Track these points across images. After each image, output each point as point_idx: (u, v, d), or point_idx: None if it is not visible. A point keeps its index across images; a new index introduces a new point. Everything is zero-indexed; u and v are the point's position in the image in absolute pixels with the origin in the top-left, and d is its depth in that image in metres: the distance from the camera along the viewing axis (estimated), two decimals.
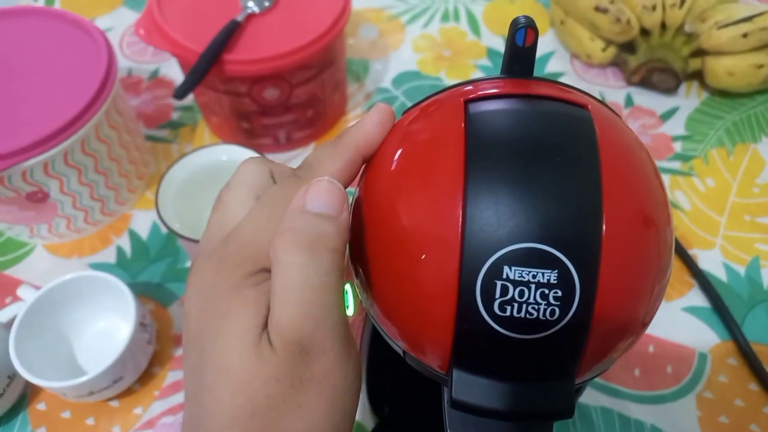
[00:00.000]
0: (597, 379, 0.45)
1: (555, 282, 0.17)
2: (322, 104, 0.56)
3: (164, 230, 0.52)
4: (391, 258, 0.20)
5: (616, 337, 0.19)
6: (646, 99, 0.62)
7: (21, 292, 0.44)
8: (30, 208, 0.47)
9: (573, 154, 0.18)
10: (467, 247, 0.18)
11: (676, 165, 0.57)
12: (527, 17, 0.20)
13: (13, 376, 0.41)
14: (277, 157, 0.57)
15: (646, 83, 0.62)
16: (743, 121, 0.60)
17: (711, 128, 0.60)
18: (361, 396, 0.22)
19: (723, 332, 0.47)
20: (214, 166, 0.47)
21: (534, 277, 0.17)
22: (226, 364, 0.20)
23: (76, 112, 0.43)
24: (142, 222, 0.53)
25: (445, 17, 0.70)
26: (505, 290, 0.17)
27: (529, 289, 0.17)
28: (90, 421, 0.43)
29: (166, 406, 0.44)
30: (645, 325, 0.20)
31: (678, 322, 0.47)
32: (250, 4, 0.51)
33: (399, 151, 0.21)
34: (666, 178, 0.56)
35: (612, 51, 0.62)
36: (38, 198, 0.46)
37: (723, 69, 0.59)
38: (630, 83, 0.63)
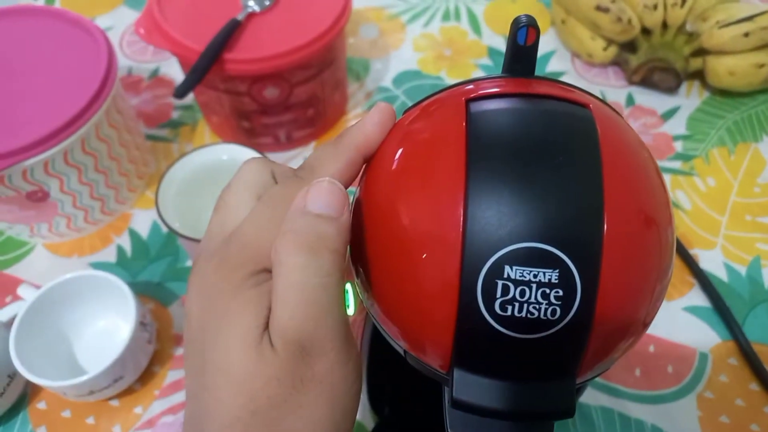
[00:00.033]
0: (597, 379, 0.45)
1: (556, 281, 0.17)
2: (322, 103, 0.56)
3: (164, 229, 0.52)
4: (391, 257, 0.20)
5: (618, 336, 0.19)
6: (647, 98, 0.62)
7: (21, 291, 0.44)
8: (30, 208, 0.47)
9: (574, 154, 0.18)
10: (468, 247, 0.17)
11: (677, 164, 0.57)
12: (529, 16, 0.20)
13: (14, 375, 0.41)
14: (278, 156, 0.57)
15: (647, 83, 0.61)
16: (744, 120, 0.60)
17: (712, 128, 0.60)
18: (361, 395, 0.22)
19: (724, 332, 0.47)
20: (215, 166, 0.47)
21: (535, 276, 0.17)
22: (227, 364, 0.20)
23: (76, 111, 0.43)
24: (143, 221, 0.53)
25: (445, 16, 0.70)
26: (506, 290, 0.17)
27: (531, 288, 0.17)
28: (90, 421, 0.43)
29: (166, 405, 0.44)
30: (646, 325, 0.20)
31: (679, 322, 0.47)
32: (251, 3, 0.51)
33: (400, 151, 0.21)
34: (667, 178, 0.56)
35: (613, 50, 0.62)
36: (38, 197, 0.46)
37: (724, 68, 0.58)
38: (631, 83, 0.63)
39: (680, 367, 0.45)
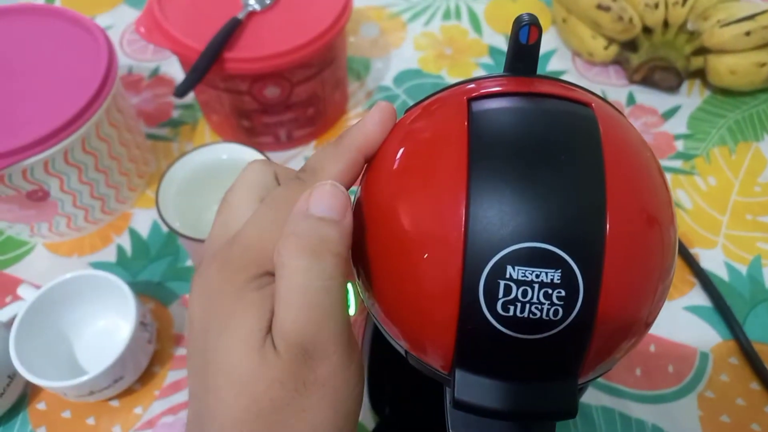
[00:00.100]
0: (598, 379, 0.45)
1: (558, 282, 0.17)
2: (322, 102, 0.56)
3: (165, 229, 0.52)
4: (393, 258, 0.19)
5: (620, 337, 0.19)
6: (648, 97, 0.62)
7: (21, 291, 0.44)
8: (30, 207, 0.47)
9: (577, 153, 0.18)
10: (470, 247, 0.17)
11: (678, 164, 0.57)
12: (531, 15, 0.20)
13: (13, 375, 0.41)
14: (278, 156, 0.57)
15: (648, 82, 0.61)
16: (745, 119, 0.60)
17: (713, 127, 0.60)
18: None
19: (724, 331, 0.47)
20: (215, 165, 0.47)
21: (537, 276, 0.17)
22: (230, 367, 0.20)
23: (77, 110, 0.43)
24: (143, 221, 0.53)
25: (446, 15, 0.70)
26: (508, 290, 0.17)
27: (533, 288, 0.17)
28: (90, 421, 0.43)
29: (166, 405, 0.44)
30: (648, 325, 0.20)
31: (679, 322, 0.47)
32: (251, 1, 0.51)
33: (401, 150, 0.21)
34: (668, 177, 0.56)
35: (614, 49, 0.62)
36: (38, 196, 0.46)
37: (725, 67, 0.58)
38: (632, 81, 0.63)
39: (681, 366, 0.45)
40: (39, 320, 0.42)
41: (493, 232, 0.17)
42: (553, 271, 0.17)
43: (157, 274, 0.50)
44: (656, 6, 0.58)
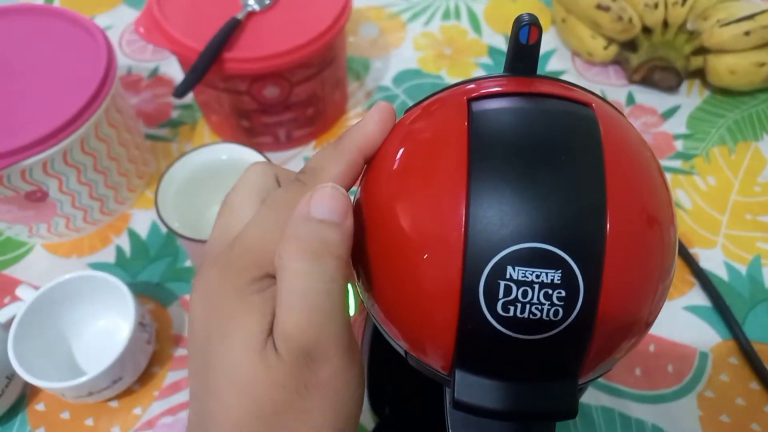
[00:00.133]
0: (598, 379, 0.45)
1: (559, 282, 0.17)
2: (322, 102, 0.56)
3: (164, 230, 0.52)
4: (392, 258, 0.19)
5: (620, 337, 0.19)
6: (647, 97, 0.62)
7: (20, 291, 0.44)
8: (29, 208, 0.47)
9: (577, 153, 0.18)
10: (470, 247, 0.17)
11: (678, 163, 0.57)
12: (531, 15, 0.19)
13: (12, 376, 0.41)
14: (277, 156, 0.57)
15: (647, 81, 0.61)
16: (745, 119, 0.60)
17: (712, 126, 0.60)
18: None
19: (724, 331, 0.47)
20: (214, 165, 0.47)
21: (537, 277, 0.17)
22: (231, 369, 0.20)
23: (76, 110, 0.43)
24: (142, 221, 0.53)
25: (446, 15, 0.70)
26: (508, 290, 0.17)
27: (533, 289, 0.17)
28: (89, 422, 0.43)
29: (165, 406, 0.44)
30: (648, 325, 0.20)
31: (679, 321, 0.47)
32: (251, 1, 0.51)
33: (401, 150, 0.21)
34: (667, 177, 0.56)
35: (613, 49, 0.62)
36: (37, 197, 0.46)
37: (725, 67, 0.58)
38: (631, 81, 0.63)
39: (681, 366, 0.45)
40: (38, 321, 0.42)
41: (493, 233, 0.17)
42: (553, 271, 0.17)
43: (156, 275, 0.50)
44: (656, 6, 0.58)
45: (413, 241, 0.19)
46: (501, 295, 0.17)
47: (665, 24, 0.59)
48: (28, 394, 0.44)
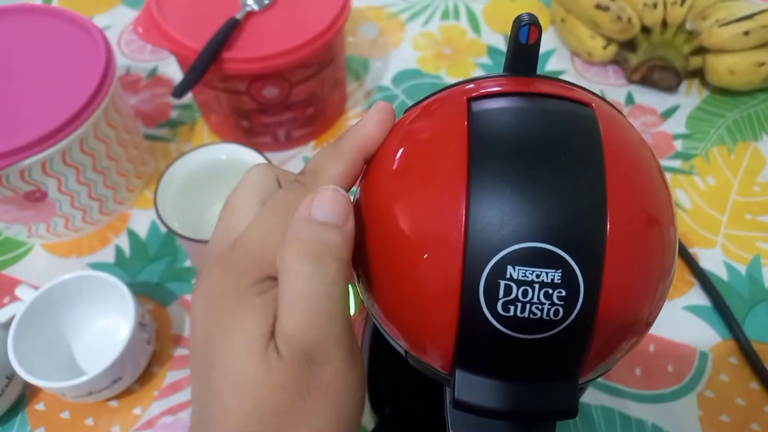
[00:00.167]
0: (598, 378, 0.45)
1: (559, 281, 0.17)
2: (321, 102, 0.56)
3: (163, 229, 0.52)
4: (392, 258, 0.19)
5: (620, 337, 0.19)
6: (646, 97, 0.62)
7: (19, 291, 0.44)
8: (28, 208, 0.47)
9: (577, 153, 0.18)
10: (470, 247, 0.17)
11: (677, 163, 0.57)
12: (531, 14, 0.19)
13: (12, 376, 0.41)
14: (277, 156, 0.57)
15: (646, 81, 0.61)
16: (744, 119, 0.60)
17: (712, 126, 0.60)
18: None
19: (724, 331, 0.47)
20: (213, 165, 0.47)
21: (538, 276, 0.17)
22: (233, 372, 0.20)
23: (75, 110, 0.43)
24: (141, 221, 0.53)
25: (445, 15, 0.70)
26: (508, 290, 0.17)
27: (533, 288, 0.17)
28: (89, 422, 0.43)
29: (165, 406, 0.43)
30: (649, 324, 0.20)
31: (679, 321, 0.47)
32: (250, 1, 0.51)
33: (401, 150, 0.21)
34: (666, 177, 0.56)
35: (613, 49, 0.62)
36: (36, 197, 0.46)
37: (724, 67, 0.58)
38: (631, 81, 0.63)
39: (680, 366, 0.45)
40: (37, 321, 0.42)
41: (493, 232, 0.17)
42: (553, 271, 0.17)
43: (155, 275, 0.49)
44: (655, 6, 0.58)
45: (413, 240, 0.19)
46: (501, 294, 0.17)
47: (664, 24, 0.59)
48: (28, 393, 0.44)
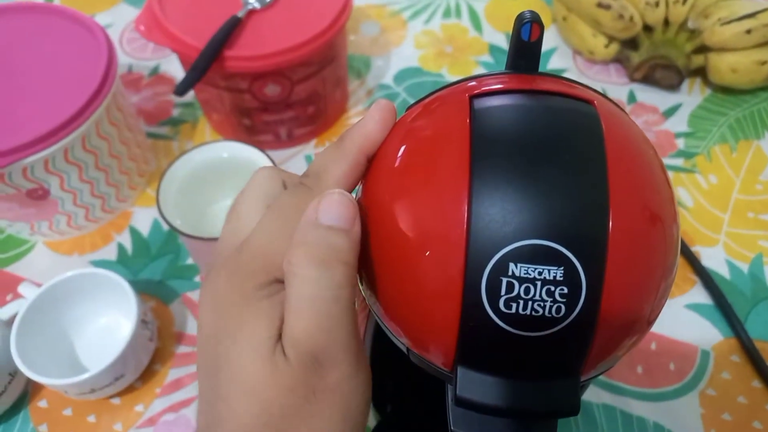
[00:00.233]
0: (600, 376, 0.45)
1: (561, 279, 0.17)
2: (323, 101, 0.56)
3: (165, 227, 0.52)
4: (394, 256, 0.19)
5: (622, 334, 0.19)
6: (648, 96, 0.62)
7: (22, 289, 0.44)
8: (30, 205, 0.47)
9: (579, 150, 0.18)
10: (472, 244, 0.17)
11: (679, 162, 0.57)
12: (533, 12, 0.19)
13: (15, 373, 0.41)
14: (278, 154, 0.57)
15: (648, 80, 0.61)
16: (746, 117, 0.60)
17: (714, 125, 0.60)
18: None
19: (726, 329, 0.47)
20: (215, 163, 0.47)
21: (540, 273, 0.17)
22: (240, 375, 0.20)
23: (77, 108, 0.43)
24: (143, 219, 0.53)
25: (446, 13, 0.70)
26: (510, 287, 0.17)
27: (535, 286, 0.17)
28: (91, 419, 0.43)
29: (167, 403, 0.44)
30: (650, 323, 0.20)
31: (681, 319, 0.47)
32: None
33: (402, 148, 0.21)
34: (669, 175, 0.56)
35: (615, 47, 0.62)
36: (39, 195, 0.46)
37: (726, 65, 0.58)
38: (632, 80, 0.63)
39: (682, 364, 0.45)
40: (40, 318, 0.42)
41: (495, 230, 0.17)
42: (555, 268, 0.17)
43: (157, 273, 0.50)
44: (657, 4, 0.58)
45: (415, 238, 0.19)
46: (503, 292, 0.17)
47: (666, 22, 0.59)
48: (30, 391, 0.44)
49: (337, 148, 0.22)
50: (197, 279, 0.49)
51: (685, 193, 0.55)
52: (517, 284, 0.17)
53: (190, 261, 0.50)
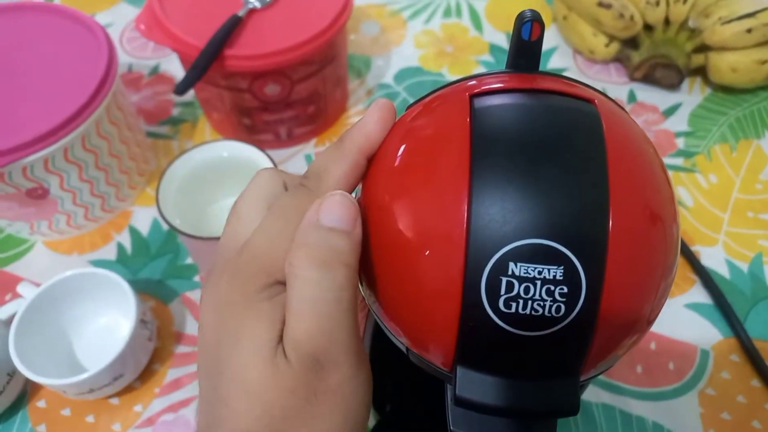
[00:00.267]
0: (599, 376, 0.45)
1: (561, 278, 0.17)
2: (323, 100, 0.56)
3: (165, 227, 0.52)
4: (394, 255, 0.19)
5: (622, 334, 0.19)
6: (649, 95, 0.62)
7: (21, 289, 0.44)
8: (30, 205, 0.47)
9: (580, 150, 0.18)
10: (472, 243, 0.17)
11: (679, 161, 0.57)
12: (533, 11, 0.19)
13: (13, 373, 0.41)
14: (278, 153, 0.57)
15: (649, 79, 0.61)
16: (746, 116, 0.60)
17: (714, 124, 0.60)
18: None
19: (725, 329, 0.47)
20: (215, 163, 0.47)
21: (540, 273, 0.17)
22: (242, 376, 0.20)
23: (77, 107, 0.43)
24: (143, 218, 0.53)
25: (447, 13, 0.70)
26: (510, 287, 0.17)
27: (535, 285, 0.17)
28: (90, 419, 0.43)
29: (166, 403, 0.44)
30: (650, 322, 0.20)
31: (680, 319, 0.47)
32: None
33: (402, 147, 0.21)
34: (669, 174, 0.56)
35: (615, 47, 0.62)
36: (38, 194, 0.46)
37: (726, 65, 0.58)
38: (633, 79, 0.63)
39: (682, 363, 0.45)
40: (39, 318, 0.42)
41: (495, 229, 0.17)
42: (555, 267, 0.17)
43: (157, 272, 0.50)
44: (657, 3, 0.58)
45: (415, 237, 0.19)
46: (503, 291, 0.17)
47: (667, 21, 0.59)
48: (29, 391, 0.44)
49: (337, 149, 0.22)
50: (197, 279, 0.49)
51: (685, 192, 0.55)
52: (516, 284, 0.17)
53: (189, 261, 0.50)
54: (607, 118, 0.19)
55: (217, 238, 0.41)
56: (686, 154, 0.57)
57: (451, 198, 0.18)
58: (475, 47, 0.66)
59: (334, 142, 0.23)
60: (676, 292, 0.49)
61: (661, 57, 0.60)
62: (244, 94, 0.51)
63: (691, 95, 0.62)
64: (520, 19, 0.19)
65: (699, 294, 0.48)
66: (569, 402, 0.19)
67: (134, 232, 0.52)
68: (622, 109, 0.22)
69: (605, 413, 0.43)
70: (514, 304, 0.17)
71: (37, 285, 0.43)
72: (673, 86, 0.61)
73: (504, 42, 0.67)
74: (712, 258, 0.50)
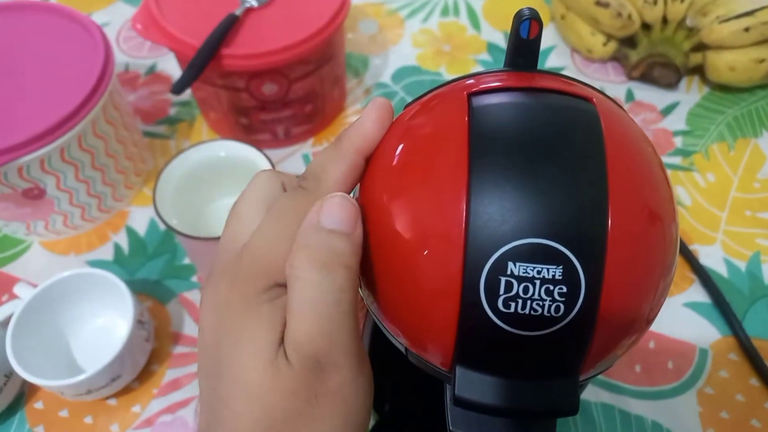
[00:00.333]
0: (598, 375, 0.45)
1: (560, 278, 0.17)
2: (320, 99, 0.55)
3: (162, 227, 0.52)
4: (393, 255, 0.19)
5: (621, 333, 0.19)
6: (646, 94, 0.62)
7: (18, 289, 0.43)
8: (26, 205, 0.46)
9: (578, 148, 0.18)
10: (471, 243, 0.17)
11: (677, 160, 0.57)
12: (531, 9, 0.19)
13: (10, 374, 0.41)
14: (276, 153, 0.57)
15: (646, 78, 0.61)
16: (744, 115, 0.60)
17: (712, 123, 0.60)
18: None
19: (724, 328, 0.47)
20: (213, 162, 0.47)
21: (539, 273, 0.17)
22: (242, 379, 0.20)
23: (73, 107, 0.43)
24: (140, 218, 0.53)
25: (444, 12, 0.70)
26: (509, 286, 0.17)
27: (534, 285, 0.17)
28: (88, 420, 0.43)
29: (164, 404, 0.43)
30: (649, 321, 0.20)
31: (679, 318, 0.47)
32: None
33: (400, 147, 0.21)
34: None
35: (613, 46, 0.62)
36: (34, 195, 0.46)
37: (724, 64, 0.58)
38: (631, 78, 0.63)
39: (680, 362, 0.45)
40: (36, 319, 0.42)
41: (494, 229, 0.17)
42: (554, 267, 0.17)
43: (154, 272, 0.49)
44: (655, 2, 0.58)
45: (413, 237, 0.19)
46: (502, 291, 0.17)
47: (664, 20, 0.59)
48: (26, 392, 0.44)
49: (335, 149, 0.22)
50: (194, 279, 0.49)
51: (683, 191, 0.55)
52: (515, 283, 0.17)
53: (187, 261, 0.50)
54: (606, 117, 0.19)
55: (215, 238, 0.41)
56: (684, 153, 0.57)
57: (449, 197, 0.18)
58: (472, 46, 0.66)
59: (332, 143, 0.23)
60: (674, 291, 0.49)
61: (659, 56, 0.60)
62: (241, 94, 0.51)
63: (689, 94, 0.62)
64: (519, 17, 0.19)
65: (697, 293, 0.48)
66: (568, 402, 0.19)
67: (131, 233, 0.52)
68: (621, 107, 0.21)
69: (604, 413, 0.43)
70: (513, 304, 0.17)
71: (34, 286, 0.43)
72: (670, 85, 0.61)
73: (502, 41, 0.67)
74: (711, 257, 0.50)
